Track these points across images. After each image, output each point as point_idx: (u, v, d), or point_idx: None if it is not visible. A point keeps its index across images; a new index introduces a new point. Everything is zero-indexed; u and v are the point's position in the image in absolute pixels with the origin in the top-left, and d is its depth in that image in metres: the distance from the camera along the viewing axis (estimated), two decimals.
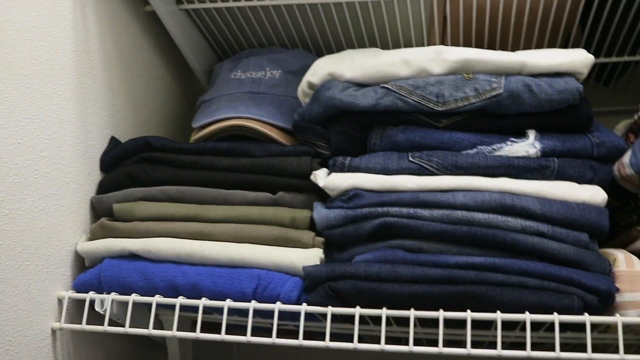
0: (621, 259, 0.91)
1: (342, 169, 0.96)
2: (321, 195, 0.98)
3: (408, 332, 0.85)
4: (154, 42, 1.25)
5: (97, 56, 1.06)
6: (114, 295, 0.93)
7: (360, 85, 0.98)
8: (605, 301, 0.84)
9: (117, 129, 1.11)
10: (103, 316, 0.93)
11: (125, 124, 1.14)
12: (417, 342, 0.84)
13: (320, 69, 1.00)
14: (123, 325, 0.92)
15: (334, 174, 0.96)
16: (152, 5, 1.14)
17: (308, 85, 1.00)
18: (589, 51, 0.97)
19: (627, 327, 0.84)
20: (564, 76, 0.94)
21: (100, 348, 1.06)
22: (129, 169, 1.03)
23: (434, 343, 0.84)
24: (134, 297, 0.92)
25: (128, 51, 1.16)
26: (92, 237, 1.00)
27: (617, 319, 0.81)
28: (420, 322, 0.90)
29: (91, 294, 0.94)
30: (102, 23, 1.08)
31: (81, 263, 1.01)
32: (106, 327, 0.92)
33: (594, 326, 0.87)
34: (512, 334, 0.89)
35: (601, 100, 1.32)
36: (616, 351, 0.80)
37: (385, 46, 1.19)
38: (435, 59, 0.96)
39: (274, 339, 0.87)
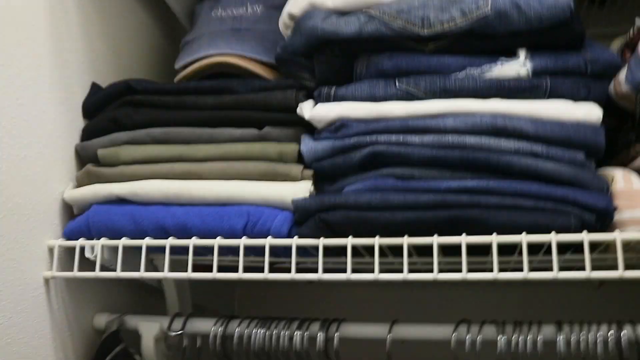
0: (619, 177, 0.89)
1: (328, 99, 0.94)
2: (308, 128, 0.96)
3: (403, 263, 0.83)
4: None
5: (72, 1, 1.03)
6: (103, 241, 0.92)
7: (342, 13, 0.95)
8: (604, 219, 0.82)
9: (97, 75, 1.09)
10: (94, 264, 0.92)
11: (106, 69, 1.11)
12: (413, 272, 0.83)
13: None
14: (115, 270, 0.91)
15: (319, 105, 0.93)
16: None
17: (289, 17, 0.97)
18: None
19: (627, 245, 0.82)
20: None
21: (95, 296, 1.05)
22: (112, 114, 1.01)
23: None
24: (124, 241, 0.91)
25: None
26: (79, 184, 0.99)
27: (616, 235, 0.79)
28: (415, 250, 0.88)
29: (81, 241, 0.93)
30: None
31: (69, 211, 1.00)
32: (98, 273, 0.91)
33: (594, 246, 0.85)
34: (511, 259, 0.88)
35: (596, 22, 1.29)
36: None
37: None
38: None
39: (266, 274, 0.86)
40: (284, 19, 0.98)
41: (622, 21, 1.21)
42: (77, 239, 0.94)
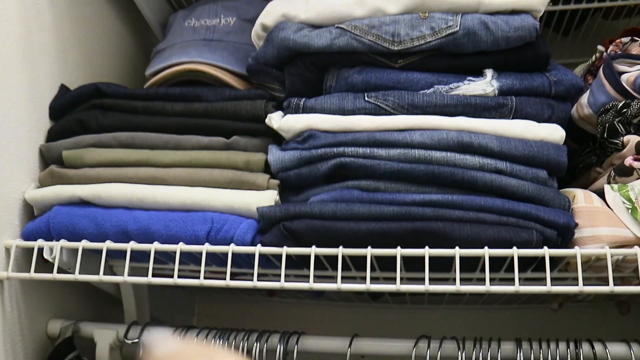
0: (580, 196, 0.90)
1: (297, 110, 0.95)
2: (276, 139, 0.96)
3: (365, 276, 0.83)
4: None
5: (45, 2, 1.03)
6: (63, 242, 0.90)
7: (314, 26, 0.96)
8: (564, 235, 0.84)
9: (67, 78, 1.08)
10: (52, 266, 0.90)
11: (76, 73, 1.11)
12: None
13: (274, 11, 0.98)
14: (73, 273, 0.89)
15: (288, 116, 0.94)
16: None
17: (262, 28, 0.98)
18: None
19: (586, 264, 0.84)
20: (520, 13, 0.93)
21: (51, 301, 1.03)
22: (79, 116, 1.00)
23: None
24: (84, 244, 0.89)
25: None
26: (42, 184, 0.98)
27: (576, 251, 0.80)
28: (378, 264, 0.88)
29: (40, 242, 0.91)
30: None
31: (30, 212, 0.98)
32: (55, 275, 0.89)
33: (555, 264, 0.87)
34: (473, 276, 0.88)
35: (560, 51, 1.32)
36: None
37: None
38: None
39: (227, 282, 0.85)
40: (256, 29, 0.99)
41: (585, 51, 1.25)
42: (35, 240, 0.92)
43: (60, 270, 0.90)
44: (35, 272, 0.90)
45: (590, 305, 1.28)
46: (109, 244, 0.89)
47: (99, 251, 0.89)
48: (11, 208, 0.95)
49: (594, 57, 1.05)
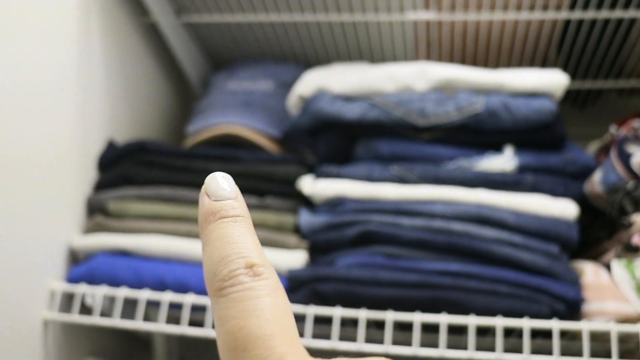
0: (589, 271, 0.95)
1: (328, 176, 1.01)
2: (306, 201, 1.03)
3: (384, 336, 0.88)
4: (153, 52, 1.30)
5: (98, 62, 1.11)
6: (105, 289, 0.96)
7: (347, 98, 1.03)
8: (573, 309, 0.89)
9: (115, 132, 1.15)
10: (90, 311, 0.96)
11: (122, 127, 1.18)
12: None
13: (310, 82, 1.05)
14: (112, 317, 0.95)
15: (319, 182, 1.00)
16: (152, 16, 1.20)
17: (298, 97, 1.05)
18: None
19: (593, 335, 0.89)
20: (539, 97, 1.00)
21: (88, 342, 1.09)
22: (124, 170, 1.07)
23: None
24: (125, 291, 0.95)
25: (128, 59, 1.20)
26: (87, 233, 1.04)
27: (583, 325, 0.86)
28: (398, 325, 0.94)
29: (83, 287, 0.97)
30: (104, 31, 1.12)
31: (75, 257, 1.04)
32: (97, 319, 0.95)
33: (563, 333, 0.92)
34: (485, 340, 0.94)
35: (576, 124, 1.38)
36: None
37: (371, 61, 1.25)
38: (419, 76, 1.02)
39: None
40: (293, 99, 1.06)
41: (600, 125, 1.31)
42: (79, 284, 0.98)
43: (99, 315, 0.96)
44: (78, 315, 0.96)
45: None
46: (147, 294, 0.95)
47: (136, 300, 0.95)
48: (58, 253, 1.01)
49: (606, 136, 1.12)
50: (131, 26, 1.21)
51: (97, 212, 1.06)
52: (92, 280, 0.98)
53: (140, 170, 1.07)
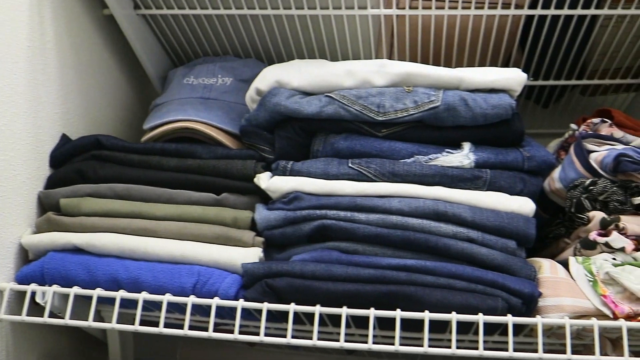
0: (546, 266, 0.95)
1: (285, 172, 1.00)
2: (264, 197, 1.01)
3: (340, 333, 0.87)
4: (111, 45, 1.28)
5: (52, 54, 1.09)
6: (55, 288, 0.93)
7: (305, 93, 1.02)
8: (529, 304, 0.88)
9: (68, 127, 1.13)
10: (44, 310, 0.94)
11: (77, 123, 1.16)
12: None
13: (268, 77, 1.03)
14: (63, 318, 0.93)
15: (276, 177, 0.99)
16: (110, 9, 1.18)
17: (256, 92, 1.04)
18: (528, 74, 1.03)
19: (549, 331, 0.88)
20: (498, 92, 0.99)
21: (39, 342, 1.06)
22: (78, 166, 1.05)
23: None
24: (76, 290, 0.93)
25: (84, 52, 1.18)
26: (38, 230, 1.01)
27: (538, 320, 0.85)
28: (353, 322, 0.93)
29: (33, 286, 0.94)
30: (58, 22, 1.10)
31: (25, 256, 1.02)
32: (47, 319, 0.92)
33: (519, 329, 0.92)
34: (442, 337, 0.93)
35: (540, 122, 1.39)
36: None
37: (334, 59, 1.24)
38: (378, 71, 1.01)
39: (210, 333, 0.89)
40: (250, 93, 1.05)
41: (563, 123, 1.32)
42: (29, 284, 0.95)
43: (51, 315, 0.93)
44: (27, 315, 0.93)
45: None
46: (99, 292, 0.92)
47: (89, 297, 0.93)
48: (7, 251, 0.98)
49: (567, 134, 1.12)
50: (87, 18, 1.19)
51: (49, 209, 1.03)
52: (43, 278, 0.95)
53: (94, 165, 1.04)
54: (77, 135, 1.13)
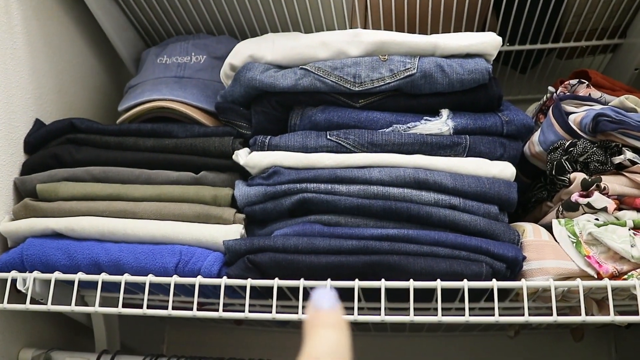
0: (529, 230, 0.95)
1: (263, 147, 0.99)
2: (243, 174, 1.01)
3: None
4: (82, 28, 1.25)
5: (21, 38, 1.07)
6: (36, 274, 0.93)
7: (280, 67, 1.01)
8: (513, 268, 0.88)
9: (42, 112, 1.11)
10: (26, 297, 0.93)
11: (50, 107, 1.14)
12: None
13: (242, 52, 1.02)
14: (46, 304, 0.92)
15: (254, 153, 0.98)
16: None
17: (230, 67, 1.02)
18: (504, 39, 1.02)
19: (535, 294, 0.88)
20: (474, 57, 0.99)
21: (23, 329, 1.06)
22: (53, 150, 1.03)
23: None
24: (57, 275, 0.92)
25: (54, 35, 1.16)
26: (15, 217, 1.00)
27: (522, 283, 0.85)
28: (339, 295, 0.92)
29: (13, 273, 0.94)
30: (25, 5, 1.08)
31: (3, 243, 1.01)
32: (28, 306, 0.92)
33: (505, 294, 0.92)
34: (429, 306, 0.93)
35: (519, 88, 1.38)
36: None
37: (308, 31, 1.22)
38: (352, 41, 1.00)
39: (194, 312, 0.88)
40: (225, 69, 1.03)
41: (541, 88, 1.31)
42: (9, 271, 0.94)
43: (33, 301, 0.92)
44: (8, 302, 0.92)
45: (546, 332, 1.33)
46: (80, 276, 0.91)
47: (71, 282, 0.92)
48: None
49: (545, 97, 1.11)
50: (56, 0, 1.17)
51: (26, 196, 1.02)
52: (23, 265, 0.95)
53: (70, 149, 1.03)
54: (50, 120, 1.11)
